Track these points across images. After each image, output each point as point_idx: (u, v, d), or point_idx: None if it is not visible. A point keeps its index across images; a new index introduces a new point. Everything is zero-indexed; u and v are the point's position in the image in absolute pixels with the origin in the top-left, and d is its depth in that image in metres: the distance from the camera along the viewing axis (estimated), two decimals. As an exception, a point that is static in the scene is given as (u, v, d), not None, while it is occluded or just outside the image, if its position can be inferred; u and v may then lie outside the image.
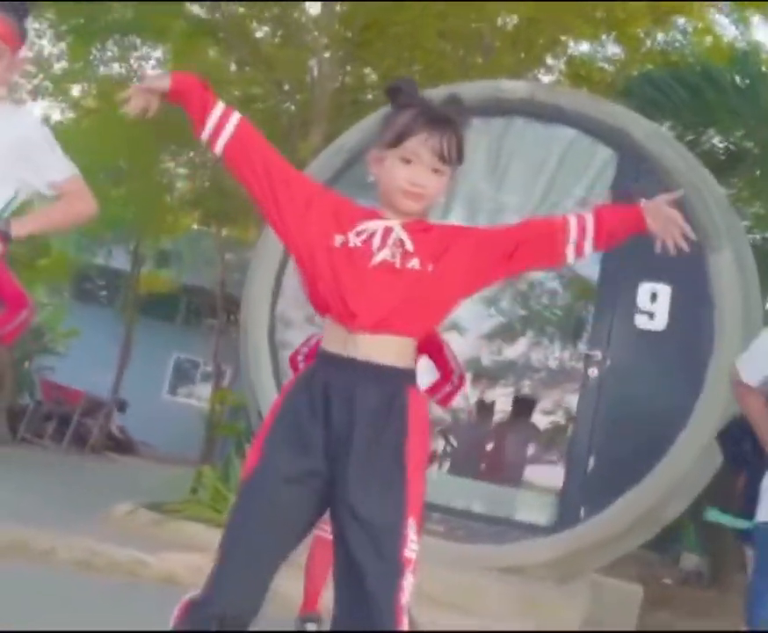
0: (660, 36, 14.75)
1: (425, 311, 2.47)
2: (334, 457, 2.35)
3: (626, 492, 6.60)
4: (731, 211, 7.48)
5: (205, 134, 2.51)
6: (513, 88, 7.81)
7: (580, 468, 6.90)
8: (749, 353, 3.15)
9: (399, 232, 2.45)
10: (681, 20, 14.36)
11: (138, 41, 14.31)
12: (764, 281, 7.31)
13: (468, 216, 7.84)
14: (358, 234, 2.45)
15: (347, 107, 13.73)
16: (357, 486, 2.31)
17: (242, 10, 13.26)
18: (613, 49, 15.23)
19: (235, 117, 2.52)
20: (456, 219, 7.73)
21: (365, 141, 7.86)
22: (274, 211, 2.49)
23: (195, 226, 17.50)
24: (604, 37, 14.37)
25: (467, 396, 10.35)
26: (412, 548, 2.31)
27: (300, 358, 4.76)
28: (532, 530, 6.92)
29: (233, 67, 14.32)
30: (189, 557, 6.16)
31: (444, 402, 4.70)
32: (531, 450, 9.72)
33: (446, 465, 9.89)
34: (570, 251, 2.53)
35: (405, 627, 2.27)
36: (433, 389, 4.58)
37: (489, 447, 10.03)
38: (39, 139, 3.38)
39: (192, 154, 15.48)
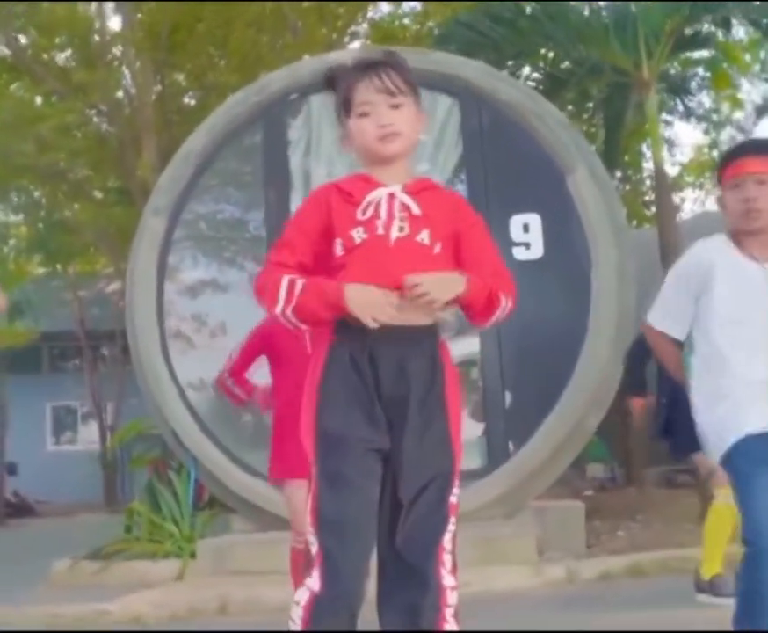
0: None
1: None
2: (390, 427, 2.38)
3: (546, 417, 6.90)
4: (573, 129, 7.80)
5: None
6: (341, 59, 7.84)
7: (498, 406, 7.16)
8: (655, 302, 3.35)
9: (402, 197, 2.44)
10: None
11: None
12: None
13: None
14: (365, 212, 2.42)
15: (173, 115, 13.57)
16: (411, 450, 2.36)
17: (33, 38, 12.85)
18: (411, 4, 15.55)
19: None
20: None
21: (213, 143, 7.85)
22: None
23: (40, 270, 16.96)
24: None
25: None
26: (455, 493, 2.42)
27: (226, 377, 4.77)
28: (469, 476, 7.10)
29: (39, 101, 13.86)
30: (147, 595, 6.14)
31: None
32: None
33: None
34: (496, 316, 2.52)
35: (448, 566, 2.38)
36: None
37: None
38: None
39: (16, 199, 14.99)
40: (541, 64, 11.78)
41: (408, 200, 2.43)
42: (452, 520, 2.41)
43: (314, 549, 2.33)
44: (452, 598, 2.38)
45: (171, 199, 7.65)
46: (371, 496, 2.36)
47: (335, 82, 2.52)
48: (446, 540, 2.39)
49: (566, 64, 11.40)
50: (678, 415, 5.08)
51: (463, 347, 10.31)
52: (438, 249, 2.43)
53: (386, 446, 2.37)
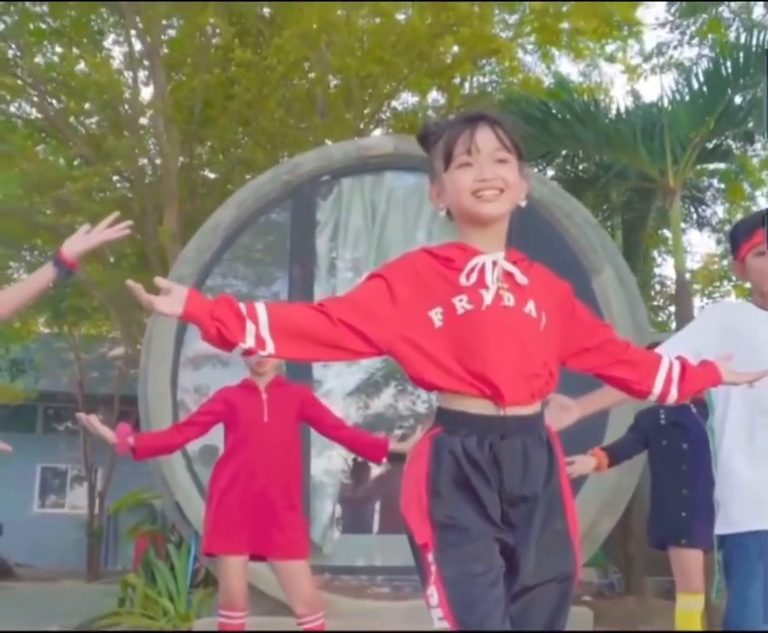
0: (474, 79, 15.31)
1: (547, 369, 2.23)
2: (512, 527, 2.15)
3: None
4: (600, 230, 7.81)
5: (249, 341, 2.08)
6: (377, 144, 7.95)
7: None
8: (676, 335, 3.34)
9: (505, 264, 2.21)
10: (492, 62, 15.02)
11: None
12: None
13: (356, 276, 7.91)
14: (468, 277, 2.18)
15: (198, 187, 13.69)
16: (531, 553, 2.14)
17: (64, 103, 13.02)
18: (434, 96, 15.68)
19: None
20: (342, 278, 7.82)
21: (241, 218, 7.85)
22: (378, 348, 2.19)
23: (45, 329, 16.85)
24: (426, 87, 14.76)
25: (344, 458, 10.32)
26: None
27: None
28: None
29: (62, 162, 14.00)
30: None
31: None
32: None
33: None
34: (657, 387, 2.43)
35: None
36: None
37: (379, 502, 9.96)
38: None
39: (28, 256, 15.00)
40: (564, 164, 11.88)
41: (511, 267, 2.21)
42: None
43: None
44: None
45: (196, 269, 7.56)
46: (500, 593, 2.10)
47: (432, 137, 2.30)
48: None
49: (583, 165, 11.51)
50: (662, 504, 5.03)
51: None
52: (544, 322, 2.21)
53: (510, 541, 2.13)
